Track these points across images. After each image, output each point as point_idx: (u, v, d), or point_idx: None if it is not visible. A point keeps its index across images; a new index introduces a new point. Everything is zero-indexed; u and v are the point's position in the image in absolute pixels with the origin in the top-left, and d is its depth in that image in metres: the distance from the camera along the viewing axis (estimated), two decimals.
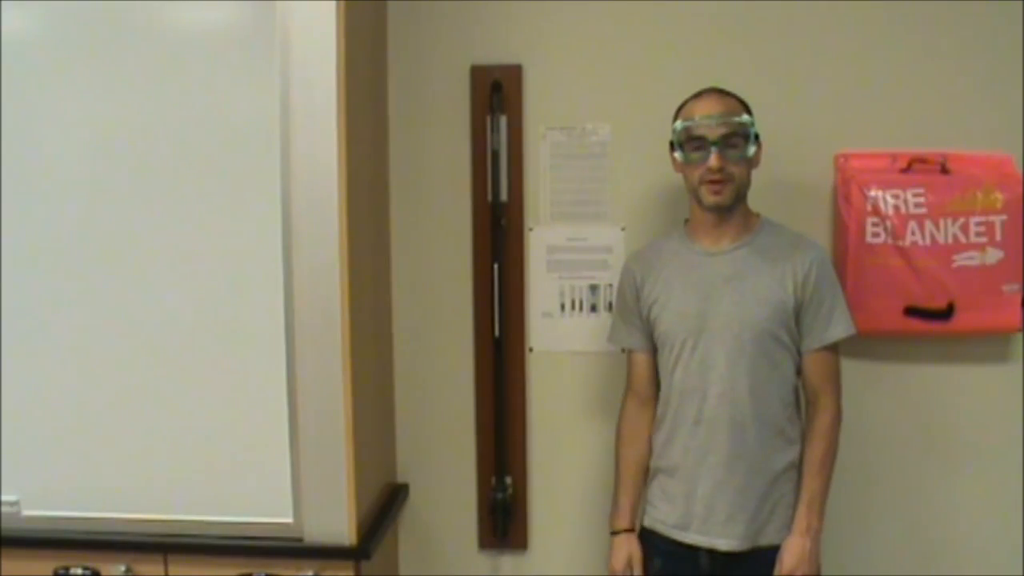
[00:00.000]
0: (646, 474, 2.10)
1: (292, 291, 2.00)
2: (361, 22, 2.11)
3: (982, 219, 2.13)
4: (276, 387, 2.03)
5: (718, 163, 1.88)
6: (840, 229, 2.22)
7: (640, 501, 2.10)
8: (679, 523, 1.98)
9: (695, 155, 1.92)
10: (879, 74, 2.26)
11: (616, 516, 2.10)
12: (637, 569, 2.06)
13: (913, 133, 2.25)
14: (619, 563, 2.07)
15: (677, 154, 1.96)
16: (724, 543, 1.93)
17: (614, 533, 2.10)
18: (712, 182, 1.90)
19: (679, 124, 1.94)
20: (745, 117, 1.92)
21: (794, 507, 1.94)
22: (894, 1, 2.24)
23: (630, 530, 2.09)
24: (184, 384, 2.12)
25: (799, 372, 1.98)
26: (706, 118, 1.90)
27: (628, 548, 2.07)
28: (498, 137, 2.32)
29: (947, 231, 2.14)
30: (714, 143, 1.89)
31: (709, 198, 1.92)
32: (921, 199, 2.14)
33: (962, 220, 2.13)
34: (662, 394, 2.03)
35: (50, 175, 2.13)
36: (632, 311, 2.07)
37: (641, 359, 2.09)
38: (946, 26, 2.24)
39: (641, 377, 2.09)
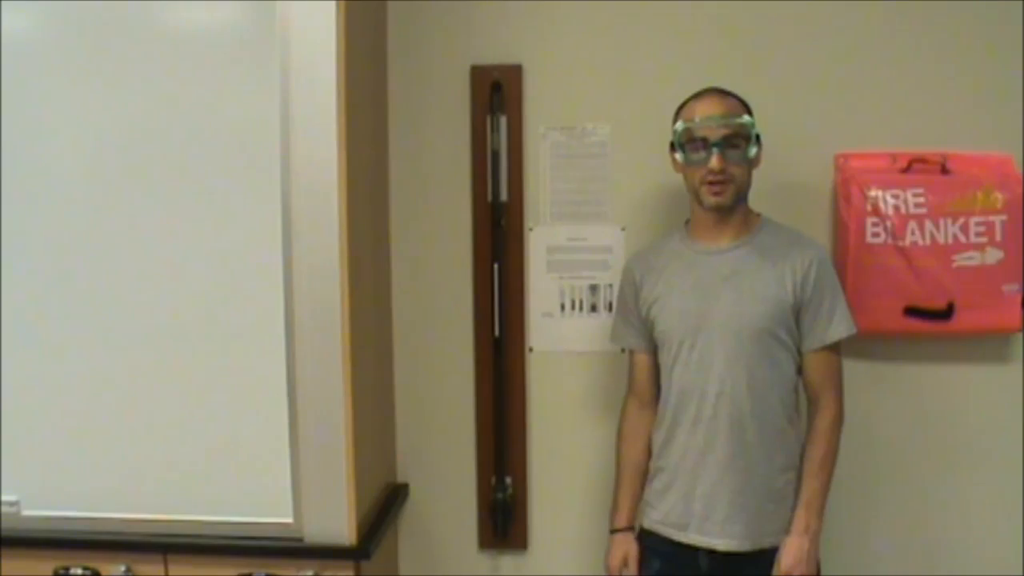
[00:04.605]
0: (646, 474, 2.10)
1: (292, 291, 2.00)
2: (361, 22, 2.11)
3: (982, 219, 2.13)
4: (276, 387, 2.03)
5: (719, 165, 1.88)
6: (840, 229, 2.22)
7: (640, 501, 2.10)
8: (678, 523, 1.98)
9: (696, 156, 1.91)
10: (879, 74, 2.26)
11: (615, 515, 2.11)
12: (632, 569, 2.06)
13: (913, 133, 2.25)
14: (615, 562, 2.08)
15: (678, 155, 1.96)
16: (722, 543, 1.93)
17: (613, 532, 2.10)
18: (713, 183, 1.90)
19: (680, 125, 1.94)
20: (746, 118, 1.91)
21: (794, 508, 1.94)
22: (894, 1, 2.24)
23: (628, 529, 2.09)
24: (184, 384, 2.12)
25: (800, 372, 1.98)
26: (707, 119, 1.89)
27: (625, 547, 2.08)
28: (498, 137, 2.32)
29: (947, 231, 2.14)
30: (715, 144, 1.88)
31: (710, 199, 1.92)
32: (921, 199, 2.14)
33: (962, 220, 2.13)
34: (662, 393, 2.03)
35: (50, 175, 2.13)
36: (631, 311, 2.07)
37: (641, 359, 2.09)
38: (946, 26, 2.24)
39: (641, 377, 2.09)
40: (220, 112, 2.07)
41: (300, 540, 2.04)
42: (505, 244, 2.36)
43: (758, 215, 2.02)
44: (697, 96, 1.95)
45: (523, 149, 2.34)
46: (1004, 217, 2.13)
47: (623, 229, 2.35)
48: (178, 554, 2.06)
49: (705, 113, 1.90)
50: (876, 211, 2.15)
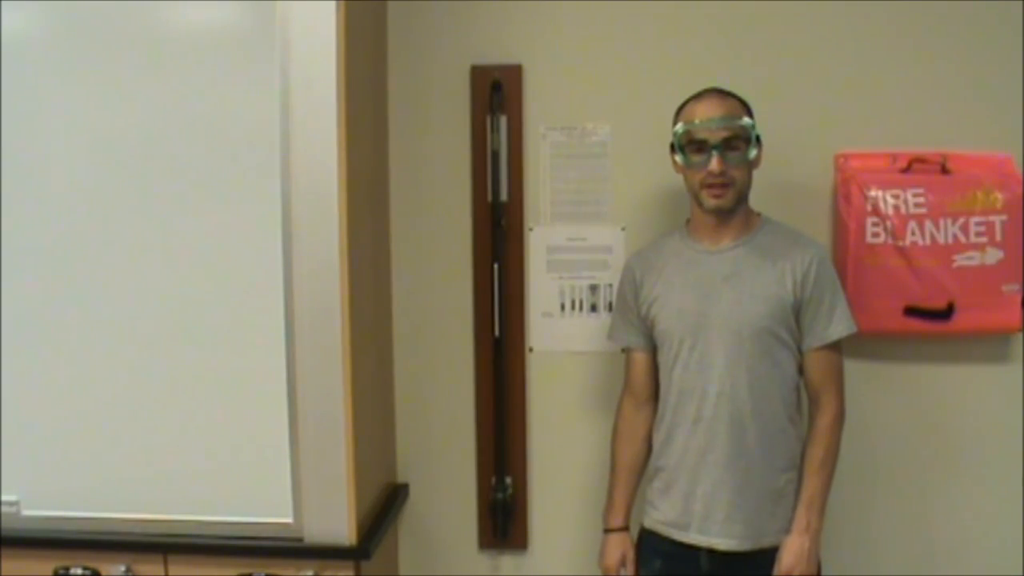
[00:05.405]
0: (641, 473, 2.10)
1: (292, 290, 2.00)
2: (361, 22, 2.11)
3: (982, 219, 2.13)
4: (276, 387, 2.03)
5: (719, 167, 1.88)
6: (840, 229, 2.22)
7: (634, 500, 2.10)
8: (678, 523, 1.98)
9: (696, 158, 1.91)
10: (879, 74, 2.26)
11: (610, 514, 2.11)
12: (630, 569, 2.06)
13: (913, 133, 2.25)
14: (612, 562, 2.08)
15: (678, 157, 1.96)
16: (723, 543, 1.93)
17: (607, 531, 2.10)
18: (713, 185, 1.90)
19: (680, 127, 1.93)
20: (746, 120, 1.91)
21: (795, 507, 1.94)
22: (894, 1, 2.24)
23: (624, 529, 2.09)
24: (184, 384, 2.12)
25: (800, 371, 1.98)
26: (707, 121, 1.89)
27: (622, 547, 2.08)
28: (498, 137, 2.32)
29: (947, 231, 2.14)
30: (715, 147, 1.88)
31: (710, 201, 1.92)
32: (921, 199, 2.14)
33: (962, 220, 2.13)
34: (662, 393, 2.03)
35: (50, 175, 2.13)
36: (631, 310, 2.07)
37: (639, 358, 2.09)
38: (946, 26, 2.24)
39: (638, 376, 2.09)
40: (220, 112, 2.07)
41: (300, 540, 2.04)
42: (505, 244, 2.36)
43: (758, 215, 2.02)
44: (697, 97, 1.95)
45: (523, 149, 2.34)
46: (1004, 217, 2.13)
47: (623, 229, 2.35)
48: (178, 554, 2.06)
49: (705, 115, 1.90)
50: (876, 211, 2.15)
